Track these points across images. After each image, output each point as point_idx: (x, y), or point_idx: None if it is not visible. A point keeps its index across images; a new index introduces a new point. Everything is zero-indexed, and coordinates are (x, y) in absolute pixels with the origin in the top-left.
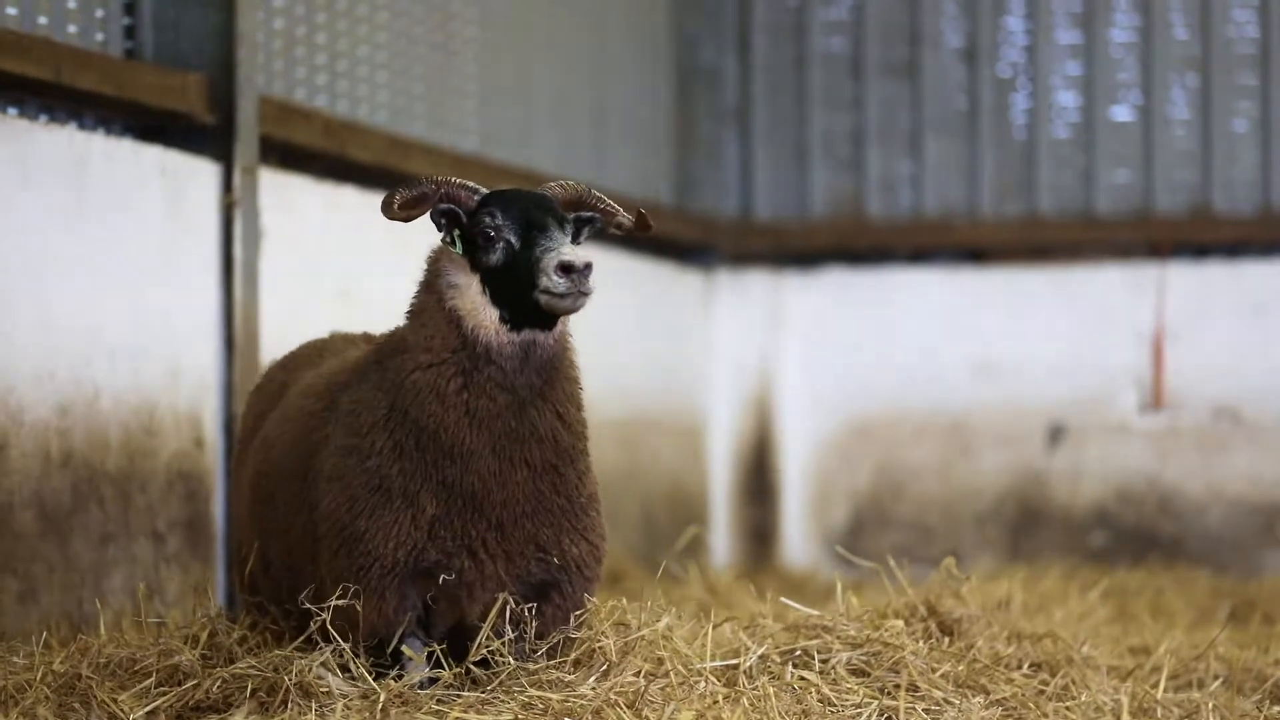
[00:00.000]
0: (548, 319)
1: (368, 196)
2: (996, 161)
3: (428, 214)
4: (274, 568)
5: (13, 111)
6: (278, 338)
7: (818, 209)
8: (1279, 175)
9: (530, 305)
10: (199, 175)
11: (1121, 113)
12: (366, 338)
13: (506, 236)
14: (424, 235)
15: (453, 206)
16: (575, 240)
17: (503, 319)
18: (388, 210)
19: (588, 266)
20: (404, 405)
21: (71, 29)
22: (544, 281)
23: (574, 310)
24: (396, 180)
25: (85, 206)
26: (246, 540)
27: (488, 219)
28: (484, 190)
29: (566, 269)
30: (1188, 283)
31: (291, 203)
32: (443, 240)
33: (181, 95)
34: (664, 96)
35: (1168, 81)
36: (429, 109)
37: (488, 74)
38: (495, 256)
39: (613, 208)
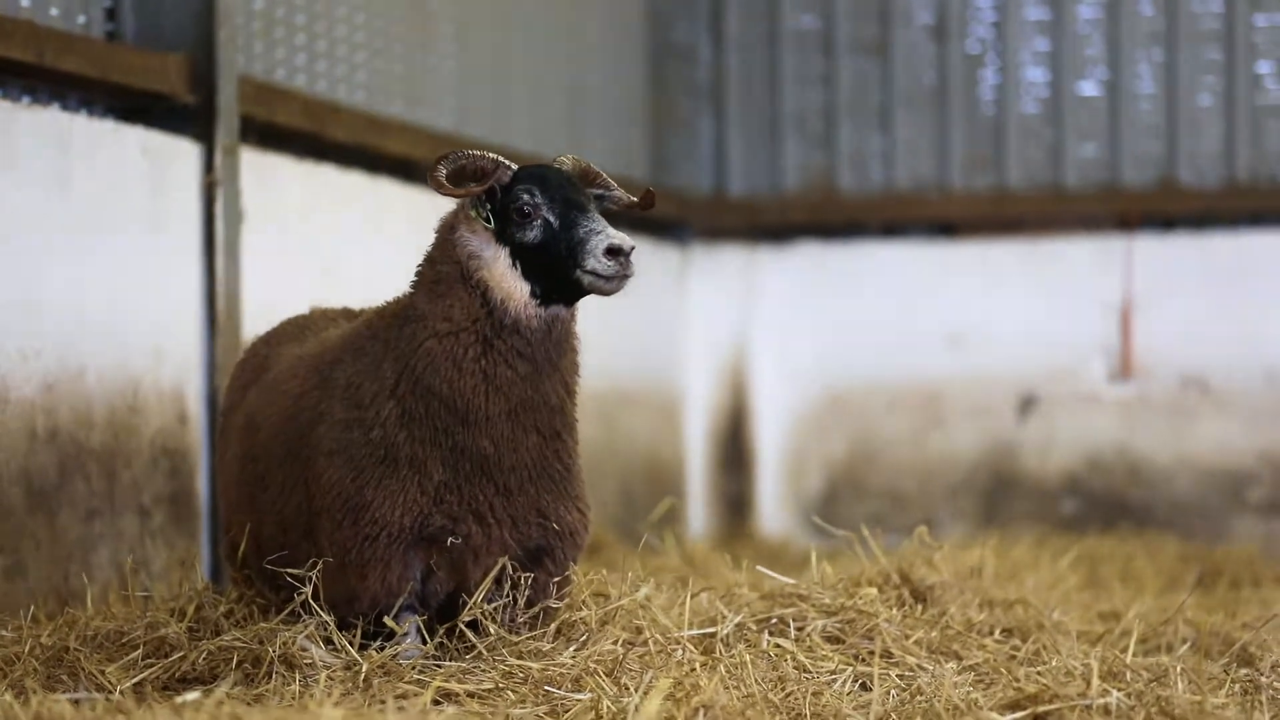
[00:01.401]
0: (575, 296)
1: (347, 175)
2: (966, 136)
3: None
4: (266, 546)
5: None
6: (259, 315)
7: (790, 184)
8: (1243, 148)
9: (570, 284)
10: (180, 155)
11: (1088, 88)
12: (346, 313)
13: (545, 215)
14: (400, 214)
15: (489, 185)
16: None
17: (533, 294)
18: (440, 188)
19: (633, 249)
20: (416, 373)
21: (54, 12)
22: (590, 263)
23: (616, 292)
24: (375, 159)
25: (69, 187)
26: (235, 517)
27: (525, 196)
28: (513, 165)
29: (614, 252)
30: (1155, 254)
31: (272, 182)
32: (474, 213)
33: (162, 76)
34: (638, 75)
35: (1134, 57)
36: (407, 88)
37: (464, 54)
38: (533, 234)
39: (613, 184)
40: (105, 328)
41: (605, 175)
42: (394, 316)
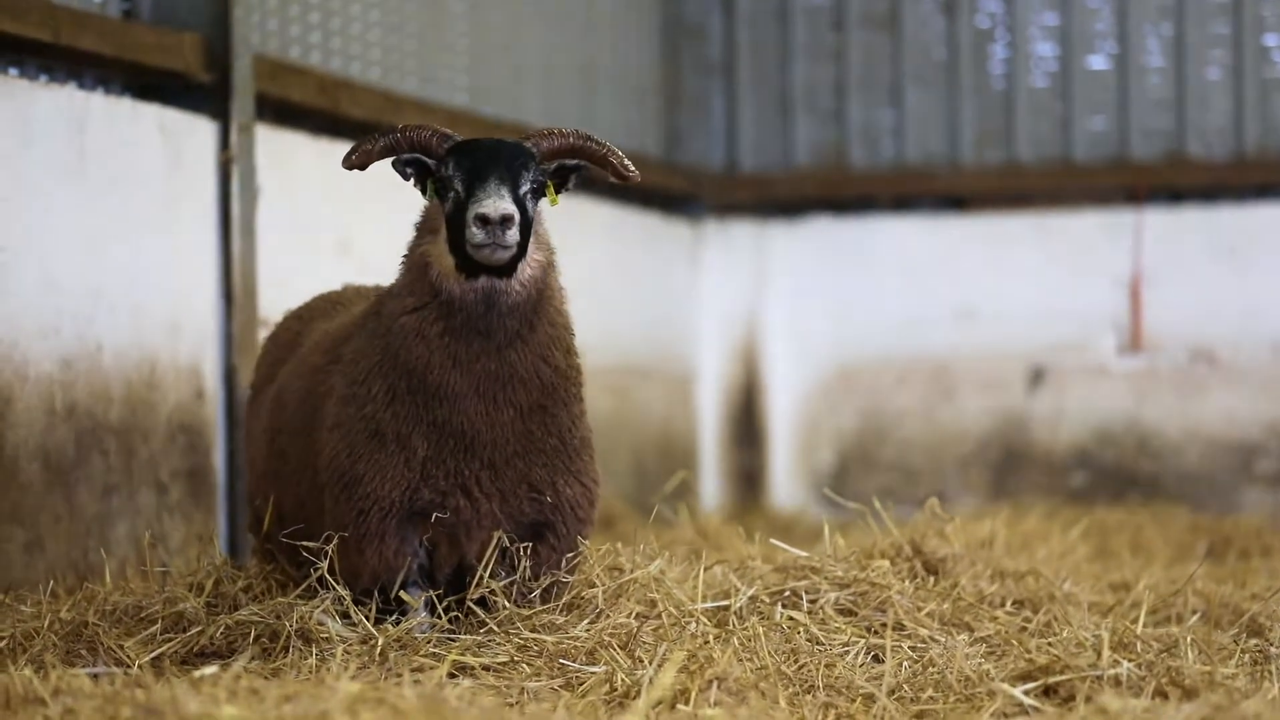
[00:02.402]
0: (500, 267)
1: None
2: (976, 110)
3: (390, 163)
4: (288, 519)
5: (13, 72)
6: (275, 291)
7: (801, 160)
8: (1251, 121)
9: (467, 254)
10: (196, 133)
11: (1098, 61)
12: (379, 290)
13: (455, 186)
14: (415, 190)
15: (419, 156)
16: (561, 189)
17: (458, 267)
18: (345, 161)
19: (505, 219)
20: (394, 349)
21: None
22: (468, 233)
23: (494, 262)
24: None
25: (85, 164)
26: (259, 491)
27: (444, 169)
28: (457, 138)
29: (483, 221)
30: (1164, 227)
31: (287, 159)
32: (421, 188)
33: (178, 54)
34: (650, 52)
35: (1143, 30)
36: (420, 65)
37: (478, 31)
38: (448, 206)
39: (608, 152)
40: (122, 304)
41: (604, 145)
42: (386, 292)
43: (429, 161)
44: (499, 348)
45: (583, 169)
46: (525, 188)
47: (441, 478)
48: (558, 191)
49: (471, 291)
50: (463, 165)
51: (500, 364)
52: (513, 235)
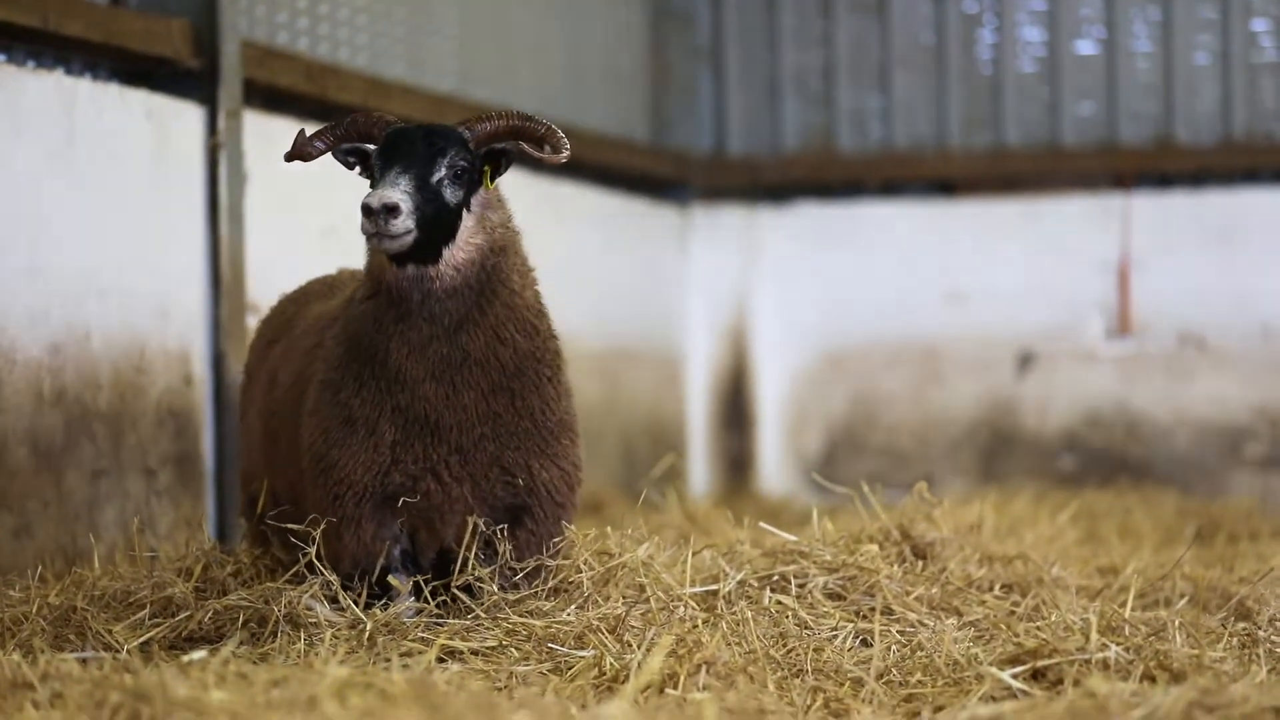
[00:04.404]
0: (421, 253)
1: None
2: (964, 95)
3: (332, 154)
4: (282, 502)
5: (1, 58)
6: (263, 277)
7: (790, 144)
8: (1240, 106)
9: None
10: (184, 118)
11: (1085, 46)
12: None
13: (375, 174)
14: None
15: (359, 145)
16: (497, 173)
17: (389, 256)
18: (286, 155)
19: (386, 209)
20: (357, 336)
21: None
22: (361, 222)
23: (384, 251)
24: None
25: (74, 150)
26: (254, 473)
27: (371, 159)
28: (398, 125)
29: (365, 210)
30: (1152, 212)
31: (274, 144)
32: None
33: (166, 40)
34: (639, 36)
35: (1130, 15)
36: (408, 50)
37: (466, 15)
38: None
39: (547, 132)
40: (111, 290)
41: (543, 125)
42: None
43: (370, 149)
44: (449, 331)
45: (511, 153)
46: (439, 174)
47: (410, 462)
48: (494, 176)
49: (403, 279)
50: (381, 153)
51: (452, 348)
52: (399, 224)
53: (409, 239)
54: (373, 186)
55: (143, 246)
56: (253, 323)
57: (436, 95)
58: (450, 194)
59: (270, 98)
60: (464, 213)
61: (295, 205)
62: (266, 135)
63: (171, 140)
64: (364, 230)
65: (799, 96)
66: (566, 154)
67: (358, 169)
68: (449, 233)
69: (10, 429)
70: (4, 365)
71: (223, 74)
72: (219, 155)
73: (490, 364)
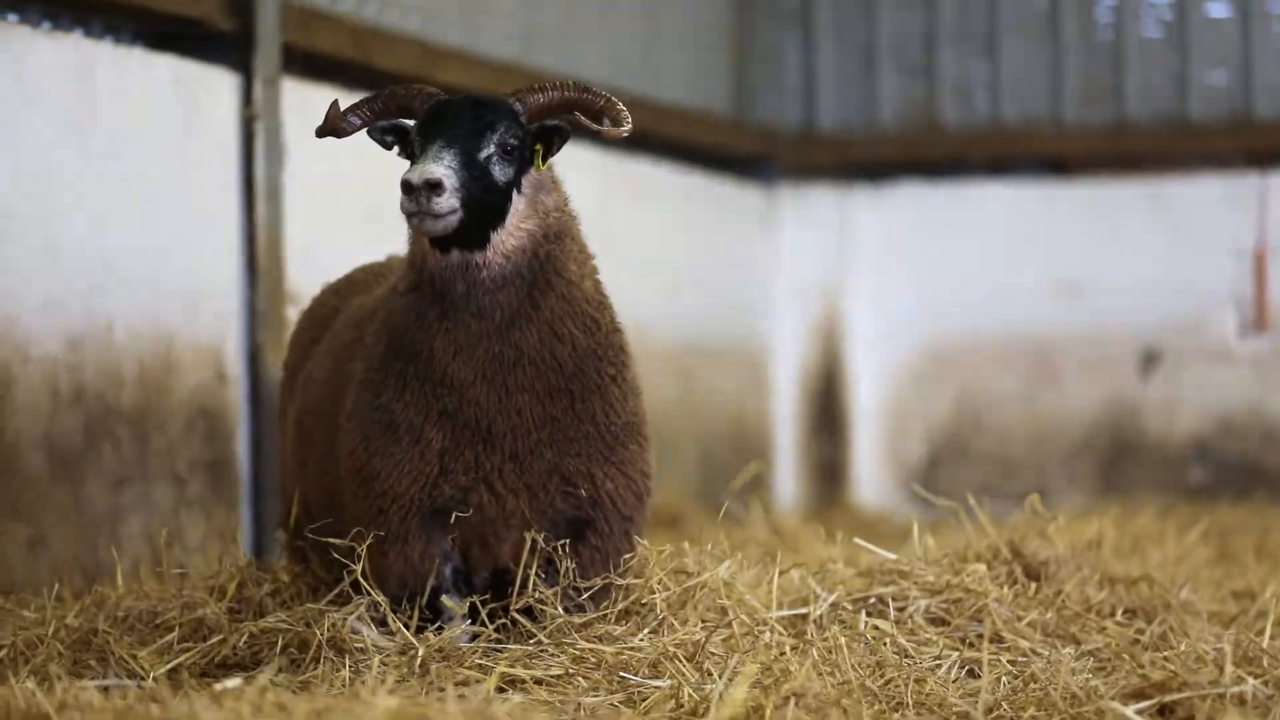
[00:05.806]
0: (467, 238)
1: None
2: (1081, 64)
3: (367, 133)
4: (315, 512)
5: (13, 18)
6: (304, 263)
7: (887, 118)
8: None
9: None
10: (216, 87)
11: (1217, 9)
12: None
13: (415, 150)
14: None
15: (398, 122)
16: (549, 153)
17: (431, 241)
18: (318, 132)
19: (428, 185)
20: (398, 332)
21: None
22: (401, 201)
23: (426, 232)
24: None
25: (93, 122)
26: (292, 481)
27: (411, 134)
28: (442, 98)
29: (405, 187)
30: None
31: (315, 116)
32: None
33: (196, 0)
34: None
35: None
36: (464, 13)
37: None
38: None
39: (606, 105)
40: (135, 276)
41: (602, 96)
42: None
43: (409, 126)
44: (501, 328)
45: (566, 130)
46: (488, 150)
47: (460, 472)
48: (545, 156)
49: (447, 267)
50: (423, 127)
51: (504, 346)
52: (444, 203)
53: (454, 219)
54: (413, 164)
55: (170, 229)
56: (293, 314)
57: (495, 63)
58: (500, 172)
59: (311, 64)
60: (514, 194)
61: (339, 183)
62: (307, 106)
63: (202, 111)
64: (404, 209)
65: (897, 66)
66: (628, 128)
67: (396, 149)
68: (498, 215)
69: (24, 431)
70: (17, 360)
71: (259, 37)
72: (254, 128)
73: (547, 363)
